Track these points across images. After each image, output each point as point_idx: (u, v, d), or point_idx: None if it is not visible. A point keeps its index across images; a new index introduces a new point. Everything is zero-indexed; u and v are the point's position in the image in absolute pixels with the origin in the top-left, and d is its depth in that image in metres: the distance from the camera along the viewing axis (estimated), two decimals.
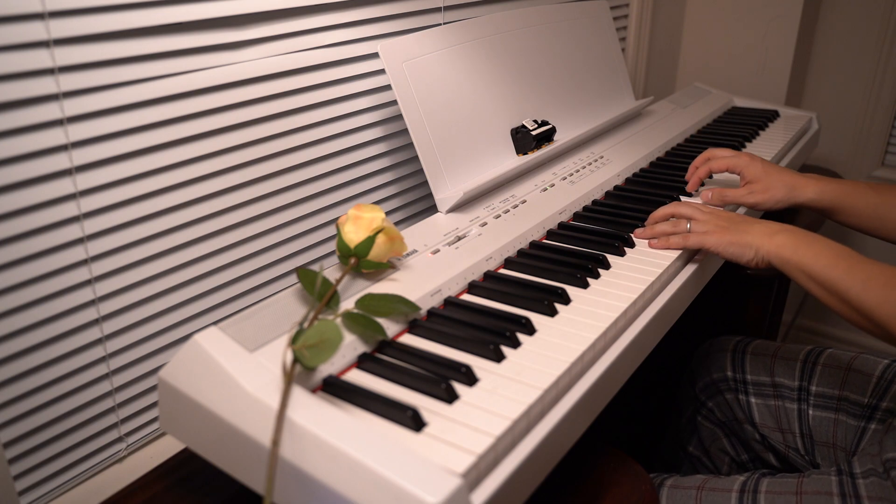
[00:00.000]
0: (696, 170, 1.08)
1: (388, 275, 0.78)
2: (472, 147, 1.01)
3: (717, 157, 1.06)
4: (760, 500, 0.86)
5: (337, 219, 0.93)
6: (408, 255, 0.82)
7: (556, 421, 0.62)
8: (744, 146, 1.34)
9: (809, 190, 1.00)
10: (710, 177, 1.14)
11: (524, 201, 0.99)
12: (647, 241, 0.92)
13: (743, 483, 0.89)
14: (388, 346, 0.69)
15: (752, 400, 1.09)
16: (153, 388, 0.84)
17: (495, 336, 0.70)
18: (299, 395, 0.57)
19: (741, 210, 1.06)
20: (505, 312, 0.74)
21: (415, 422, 0.58)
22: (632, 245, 0.91)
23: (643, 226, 0.94)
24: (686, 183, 1.09)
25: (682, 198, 1.07)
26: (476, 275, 0.83)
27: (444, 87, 0.99)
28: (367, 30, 1.00)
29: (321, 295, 0.69)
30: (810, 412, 1.03)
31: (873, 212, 0.97)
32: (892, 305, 0.72)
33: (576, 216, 1.01)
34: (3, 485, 0.71)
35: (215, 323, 0.66)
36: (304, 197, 0.97)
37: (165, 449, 0.85)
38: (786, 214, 1.35)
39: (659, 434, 1.30)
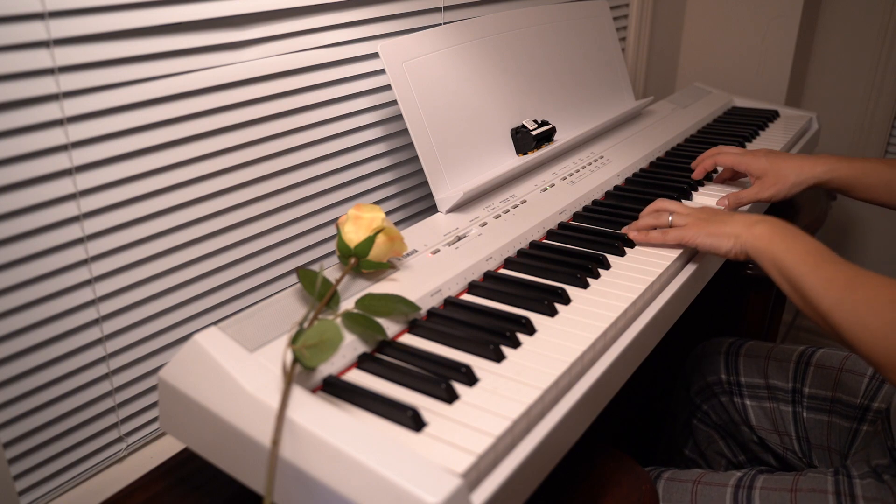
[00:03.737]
0: (703, 160, 1.10)
1: (388, 275, 0.78)
2: (472, 147, 1.01)
3: (724, 153, 1.08)
4: (755, 496, 0.86)
5: (337, 219, 0.93)
6: (408, 255, 0.82)
7: (556, 421, 0.62)
8: (744, 146, 1.33)
9: (819, 169, 1.00)
10: (715, 171, 1.15)
11: (524, 201, 0.99)
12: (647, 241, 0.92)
13: (739, 479, 0.89)
14: (388, 346, 0.69)
15: (748, 402, 1.08)
16: (153, 388, 0.84)
17: (495, 336, 0.70)
18: (299, 395, 0.57)
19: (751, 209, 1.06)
20: (505, 312, 0.74)
21: (415, 422, 0.58)
22: (632, 245, 0.91)
23: None
24: (688, 180, 1.11)
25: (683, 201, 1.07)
26: (476, 275, 0.83)
27: (444, 87, 0.99)
28: (367, 30, 1.00)
29: (321, 295, 0.69)
30: (805, 414, 1.03)
31: (885, 187, 0.98)
32: (847, 310, 0.69)
33: (576, 216, 1.01)
34: (3, 485, 0.71)
35: (215, 323, 0.66)
36: (304, 197, 0.97)
37: (165, 449, 0.85)
38: (787, 209, 1.36)
39: (658, 434, 1.30)
